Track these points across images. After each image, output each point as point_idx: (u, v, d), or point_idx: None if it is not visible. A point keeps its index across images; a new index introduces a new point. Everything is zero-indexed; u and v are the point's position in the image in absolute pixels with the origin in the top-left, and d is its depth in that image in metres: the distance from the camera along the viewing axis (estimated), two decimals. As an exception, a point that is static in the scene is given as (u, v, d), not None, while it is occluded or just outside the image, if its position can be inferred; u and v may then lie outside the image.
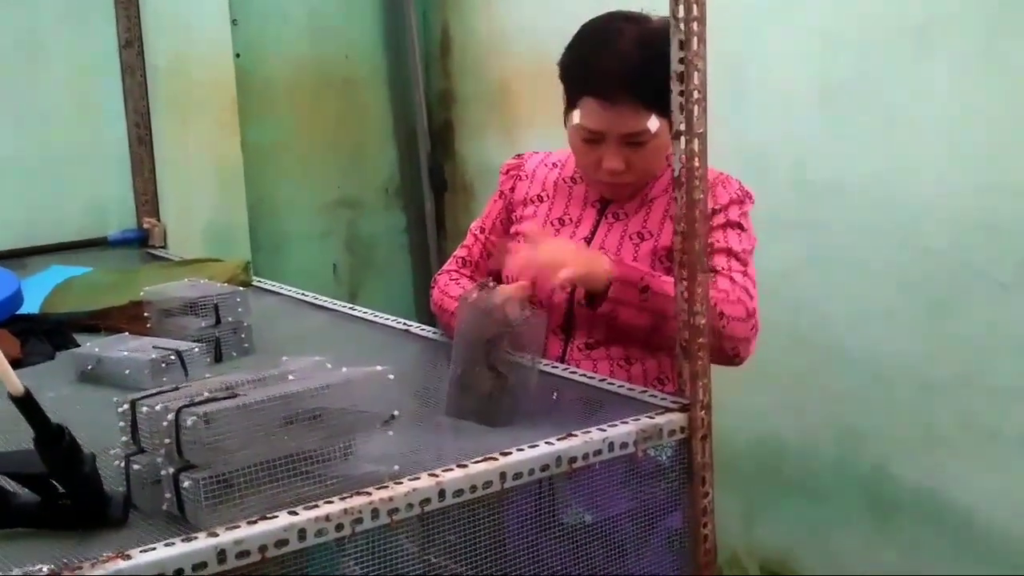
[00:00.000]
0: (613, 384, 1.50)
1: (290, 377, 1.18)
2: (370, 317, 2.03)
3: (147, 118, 2.92)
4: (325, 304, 2.17)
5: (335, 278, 3.41)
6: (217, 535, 1.00)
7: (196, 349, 1.72)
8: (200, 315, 1.84)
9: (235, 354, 1.84)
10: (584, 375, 1.55)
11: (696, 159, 1.29)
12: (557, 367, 1.59)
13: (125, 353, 1.71)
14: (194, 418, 1.03)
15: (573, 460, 1.25)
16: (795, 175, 2.42)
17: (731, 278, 1.57)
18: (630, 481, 1.38)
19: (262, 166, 3.22)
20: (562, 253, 1.49)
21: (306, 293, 2.25)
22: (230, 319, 1.85)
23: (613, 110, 1.57)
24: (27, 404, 0.94)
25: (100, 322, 2.11)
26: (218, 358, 1.82)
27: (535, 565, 1.30)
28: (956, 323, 2.17)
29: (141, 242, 2.91)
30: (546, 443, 1.24)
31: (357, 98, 3.42)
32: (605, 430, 1.29)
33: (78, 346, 1.99)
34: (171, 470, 1.07)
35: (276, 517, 1.04)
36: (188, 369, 1.69)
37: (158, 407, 1.08)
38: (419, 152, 3.47)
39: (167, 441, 1.07)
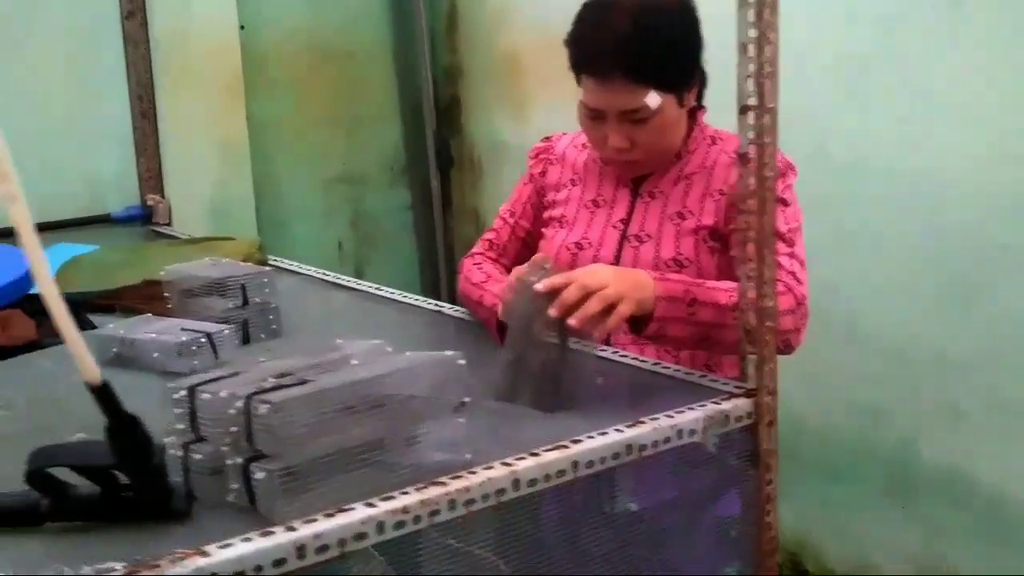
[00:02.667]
0: (668, 368, 1.46)
1: (353, 362, 1.13)
2: (397, 297, 1.98)
3: (150, 91, 2.84)
4: (347, 283, 2.11)
5: (340, 255, 3.36)
6: (295, 529, 0.96)
7: (226, 331, 1.67)
8: (227, 296, 1.78)
9: (263, 336, 1.78)
10: (635, 359, 1.51)
11: (766, 135, 1.25)
12: (606, 350, 1.54)
13: (153, 335, 1.65)
14: (267, 406, 0.98)
15: (643, 448, 1.21)
16: (816, 151, 2.38)
17: (778, 263, 1.49)
18: (679, 470, 1.34)
19: (265, 141, 3.16)
20: (610, 282, 1.35)
21: (327, 273, 2.19)
22: (257, 300, 1.79)
23: (608, 87, 1.53)
24: (104, 393, 0.89)
25: (115, 302, 2.05)
26: (246, 340, 1.76)
27: (580, 554, 1.26)
28: (981, 300, 2.15)
29: (145, 219, 2.84)
30: (616, 431, 1.20)
31: (362, 72, 3.35)
32: (673, 417, 1.25)
33: (94, 327, 1.93)
34: (239, 460, 1.02)
35: (353, 509, 1.00)
36: (218, 352, 1.64)
37: (223, 394, 1.03)
38: (425, 128, 3.41)
39: (234, 430, 1.02)
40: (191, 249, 2.39)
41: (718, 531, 1.39)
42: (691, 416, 1.26)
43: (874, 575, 2.44)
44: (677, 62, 1.55)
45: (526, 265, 1.42)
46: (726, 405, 1.29)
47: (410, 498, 1.02)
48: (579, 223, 1.70)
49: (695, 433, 1.25)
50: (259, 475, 0.98)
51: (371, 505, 1.01)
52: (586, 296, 1.32)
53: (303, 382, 1.04)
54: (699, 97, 1.65)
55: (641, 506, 1.34)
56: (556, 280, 1.33)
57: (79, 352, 0.78)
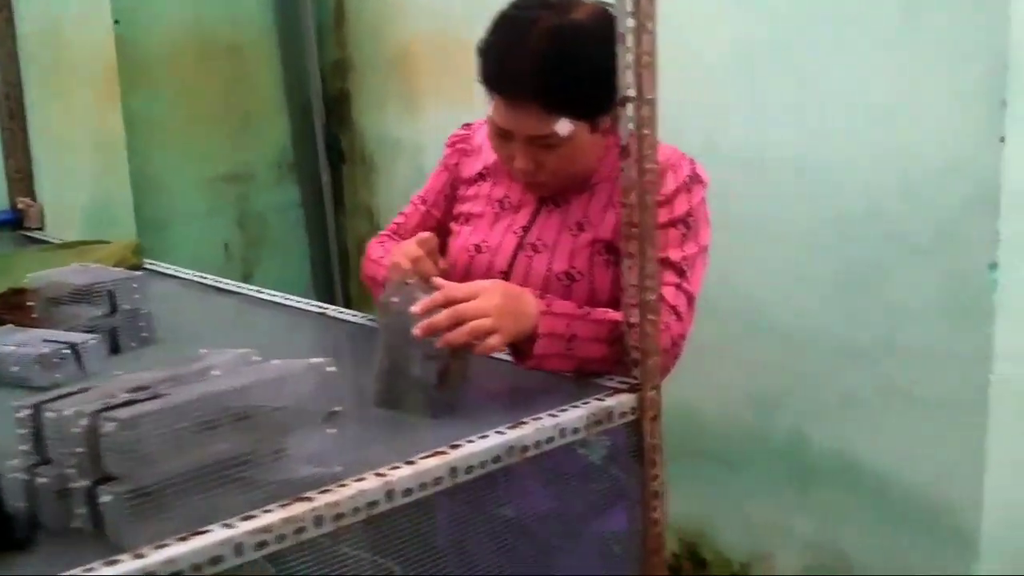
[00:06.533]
0: (554, 366, 1.42)
1: (214, 372, 1.06)
2: (280, 300, 1.90)
3: (18, 90, 2.70)
4: (229, 287, 2.03)
5: (226, 257, 3.25)
6: (143, 556, 0.89)
7: (92, 341, 1.58)
8: (93, 303, 1.69)
9: (134, 345, 1.70)
10: (520, 357, 1.46)
11: (645, 127, 1.22)
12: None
13: (12, 347, 1.55)
14: (114, 424, 0.91)
15: (525, 449, 1.17)
16: (707, 142, 2.37)
17: (662, 295, 1.42)
18: (563, 470, 1.31)
19: (144, 140, 3.03)
20: (489, 312, 1.30)
21: (206, 276, 2.10)
22: (127, 307, 1.71)
23: (518, 110, 1.44)
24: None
25: (-22, 312, 1.93)
26: (115, 349, 1.67)
27: (465, 562, 1.22)
28: (873, 289, 2.17)
29: (15, 224, 2.69)
30: (496, 433, 1.16)
31: (245, 66, 3.24)
32: (556, 416, 1.22)
33: (-47, 339, 1.82)
34: (85, 482, 0.94)
35: (209, 531, 0.93)
36: (84, 363, 1.56)
37: (68, 411, 0.95)
38: (314, 123, 3.32)
39: (80, 450, 0.94)
40: (63, 254, 2.28)
41: (605, 538, 1.37)
42: (574, 414, 1.23)
43: (770, 561, 2.46)
44: (595, 90, 1.42)
45: (389, 284, 1.37)
46: (610, 401, 1.27)
47: (272, 516, 0.97)
48: (483, 224, 1.62)
49: (578, 431, 1.22)
50: (105, 498, 0.91)
51: (229, 526, 0.94)
52: (457, 323, 1.27)
53: (156, 396, 0.97)
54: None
55: (527, 511, 1.31)
56: (437, 299, 1.28)
57: None
